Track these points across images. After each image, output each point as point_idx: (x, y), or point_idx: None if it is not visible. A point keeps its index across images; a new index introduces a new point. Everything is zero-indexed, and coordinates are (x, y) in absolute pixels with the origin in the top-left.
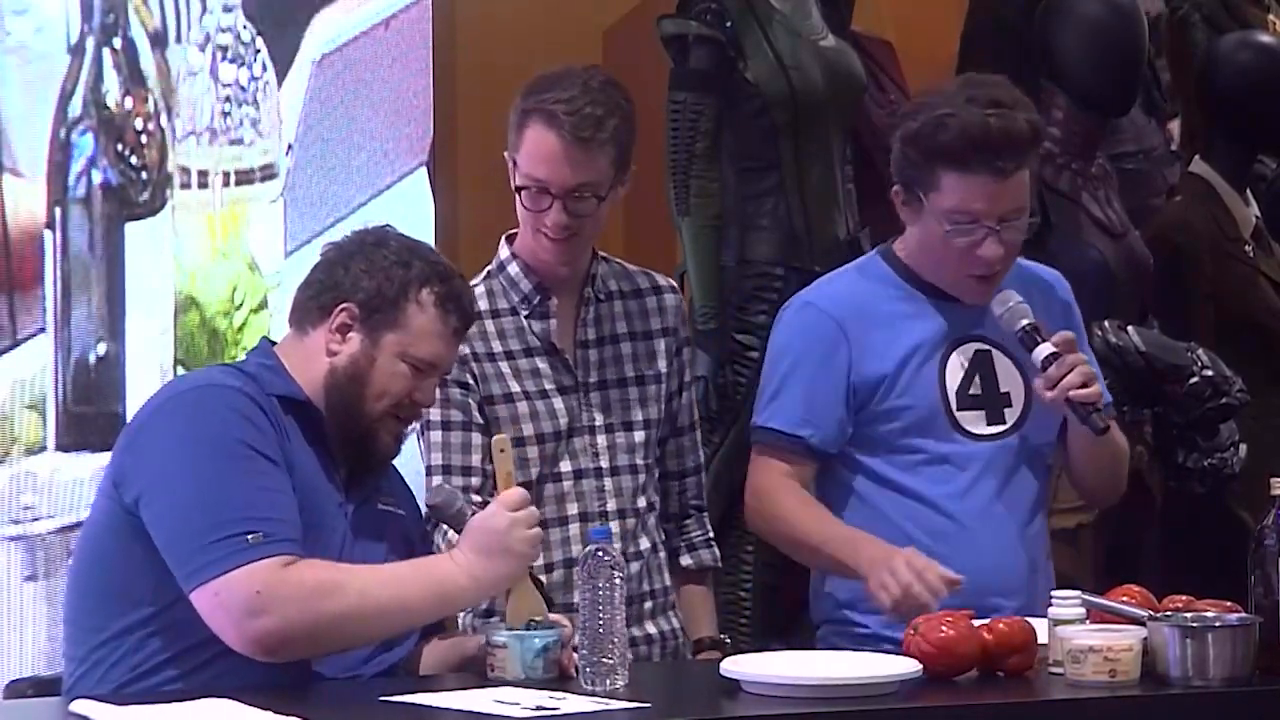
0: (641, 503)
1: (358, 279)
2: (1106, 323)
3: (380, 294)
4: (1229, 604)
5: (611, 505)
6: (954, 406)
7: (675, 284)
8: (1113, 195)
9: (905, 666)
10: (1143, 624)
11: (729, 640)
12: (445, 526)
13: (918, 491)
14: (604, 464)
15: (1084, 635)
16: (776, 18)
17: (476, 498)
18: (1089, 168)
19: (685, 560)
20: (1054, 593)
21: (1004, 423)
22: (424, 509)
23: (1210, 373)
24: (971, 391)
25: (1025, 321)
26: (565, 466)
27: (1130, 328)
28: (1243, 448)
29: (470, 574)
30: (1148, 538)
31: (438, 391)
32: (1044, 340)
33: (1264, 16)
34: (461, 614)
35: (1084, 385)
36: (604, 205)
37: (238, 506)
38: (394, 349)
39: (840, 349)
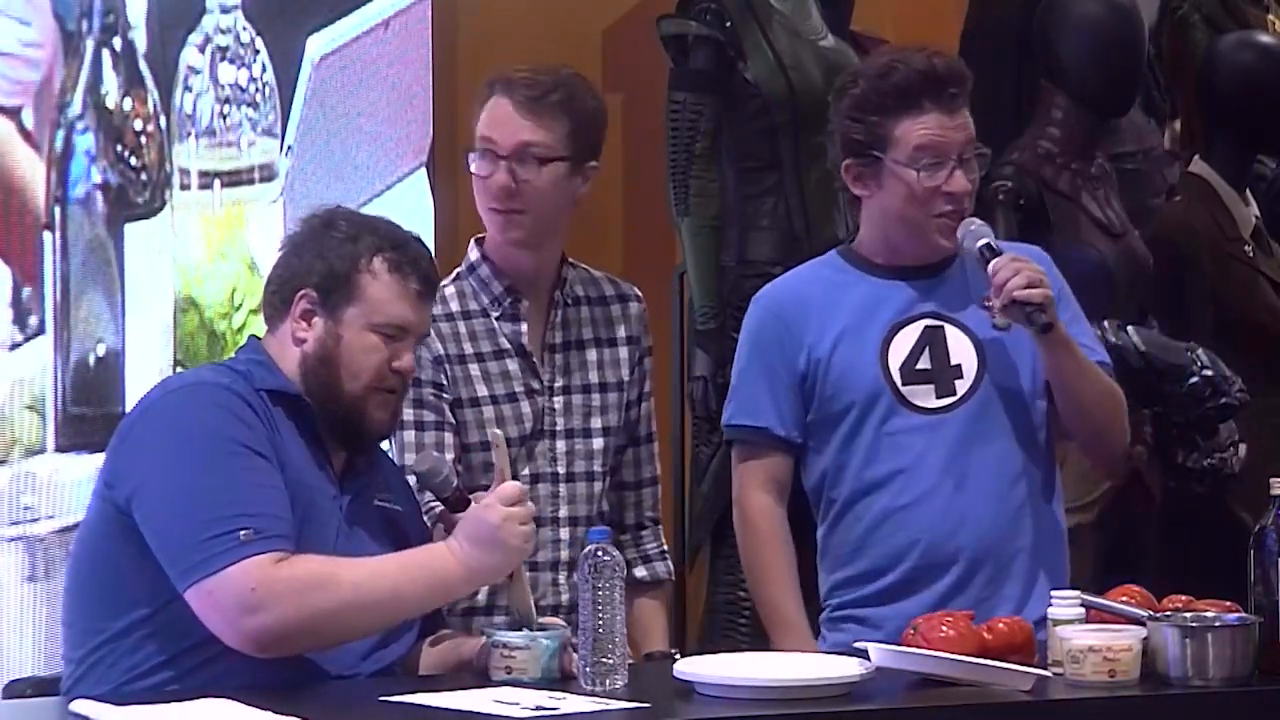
0: (593, 511)
1: (310, 265)
2: (1106, 323)
3: (333, 273)
4: (1229, 604)
5: (564, 511)
6: (899, 382)
7: (640, 293)
8: (1112, 195)
9: (858, 668)
10: (1143, 624)
11: (678, 655)
12: (441, 525)
13: (863, 474)
14: (560, 470)
15: (1084, 635)
16: (776, 18)
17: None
18: (1089, 168)
19: (640, 572)
20: (1054, 593)
21: (954, 394)
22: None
23: (1210, 373)
24: (919, 366)
25: (984, 241)
26: (524, 470)
27: (1130, 328)
28: (1243, 448)
29: (465, 564)
30: (1148, 538)
31: (411, 392)
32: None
33: (1264, 16)
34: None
35: (1030, 287)
36: (547, 173)
37: (229, 503)
38: (357, 322)
39: (782, 339)
